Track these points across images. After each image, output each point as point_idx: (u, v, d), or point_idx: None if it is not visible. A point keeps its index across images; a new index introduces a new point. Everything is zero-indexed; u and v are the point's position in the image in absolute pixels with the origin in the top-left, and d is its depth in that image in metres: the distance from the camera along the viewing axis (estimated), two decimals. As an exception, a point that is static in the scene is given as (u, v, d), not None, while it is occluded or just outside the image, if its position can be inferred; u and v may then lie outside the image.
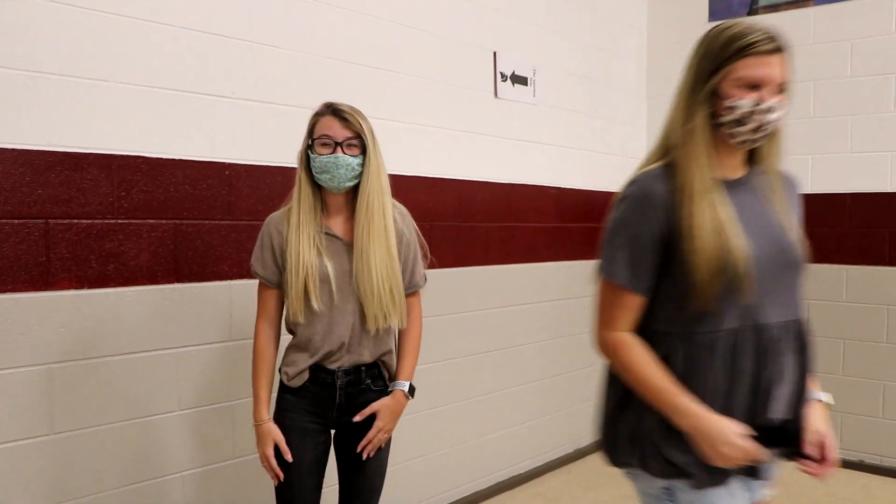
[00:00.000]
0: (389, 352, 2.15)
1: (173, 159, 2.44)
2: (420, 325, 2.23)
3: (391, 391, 2.15)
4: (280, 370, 2.14)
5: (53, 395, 2.20)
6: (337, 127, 2.02)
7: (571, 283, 4.26)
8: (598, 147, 4.45)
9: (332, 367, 2.07)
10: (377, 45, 3.09)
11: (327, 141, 2.01)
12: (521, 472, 3.98)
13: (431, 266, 3.29)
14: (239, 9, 2.60)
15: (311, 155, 2.03)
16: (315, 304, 2.02)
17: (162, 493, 2.46)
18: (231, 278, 2.59)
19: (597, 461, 4.32)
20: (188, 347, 2.51)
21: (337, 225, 2.08)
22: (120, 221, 2.32)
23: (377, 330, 2.07)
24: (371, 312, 2.04)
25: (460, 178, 3.52)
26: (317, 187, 2.08)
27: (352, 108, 2.07)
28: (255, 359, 2.12)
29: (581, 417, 4.42)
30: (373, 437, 2.09)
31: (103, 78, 2.26)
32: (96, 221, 2.26)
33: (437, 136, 3.39)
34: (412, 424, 3.30)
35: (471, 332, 3.61)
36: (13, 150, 2.09)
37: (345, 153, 2.00)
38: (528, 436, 4.01)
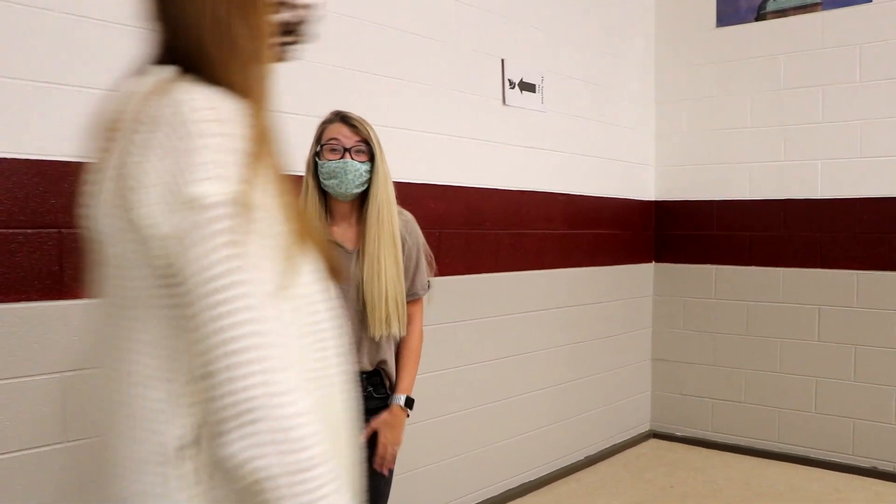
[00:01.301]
0: (388, 360, 2.15)
1: (184, 168, 2.45)
2: (420, 336, 2.24)
3: (389, 405, 2.16)
4: None
5: (67, 404, 2.21)
6: (346, 132, 2.04)
7: (581, 289, 4.26)
8: (607, 153, 4.45)
9: None
10: (385, 53, 3.11)
11: (336, 146, 2.03)
12: (531, 479, 3.97)
13: (440, 273, 3.29)
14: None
15: (319, 161, 2.05)
16: None
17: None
18: (242, 286, 2.61)
19: (606, 469, 4.31)
20: (199, 355, 2.52)
21: (340, 232, 2.10)
22: (132, 230, 2.33)
23: (379, 337, 2.08)
24: (376, 318, 2.04)
25: (469, 185, 3.52)
26: (322, 194, 2.09)
27: (360, 116, 2.09)
28: None
29: (591, 425, 4.41)
30: (383, 454, 2.13)
31: (115, 88, 2.28)
32: (109, 230, 2.28)
33: (446, 143, 3.40)
34: (421, 431, 3.30)
35: (480, 340, 3.61)
36: (27, 160, 2.11)
37: (353, 158, 2.02)
38: (537, 443, 4.00)
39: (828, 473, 4.19)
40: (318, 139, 2.08)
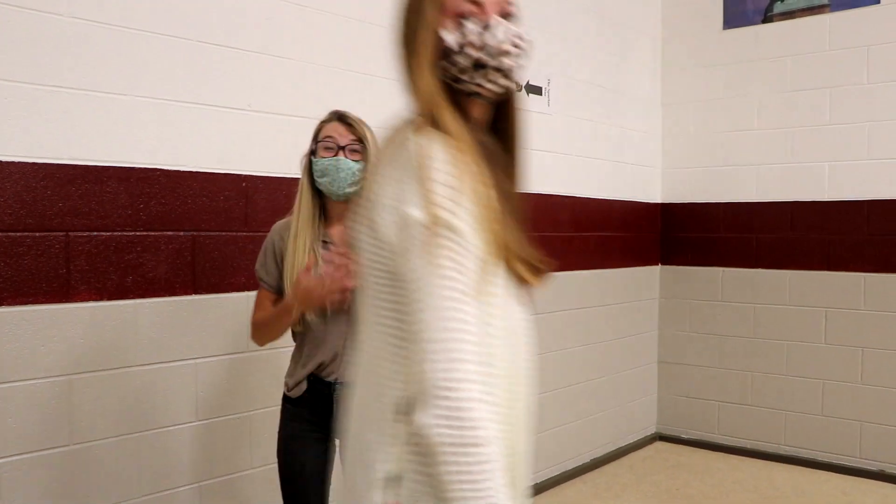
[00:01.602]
0: None
1: (191, 171, 2.46)
2: None
3: None
4: (284, 381, 2.15)
5: (73, 406, 2.22)
6: (341, 130, 2.04)
7: (587, 292, 4.25)
8: (613, 156, 4.45)
9: (329, 378, 2.06)
10: (391, 56, 3.11)
11: (330, 144, 2.03)
12: (538, 481, 3.96)
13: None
14: (254, 22, 2.63)
15: (314, 159, 2.05)
16: (310, 317, 2.01)
17: (179, 503, 2.47)
18: (248, 289, 2.61)
19: (612, 471, 4.30)
20: (205, 358, 2.53)
21: (337, 234, 2.08)
22: (138, 233, 2.34)
23: None
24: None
25: (475, 187, 3.52)
26: (318, 195, 2.08)
27: (358, 116, 2.09)
28: (261, 320, 2.10)
29: (597, 427, 4.41)
30: None
31: (122, 92, 2.29)
32: (115, 233, 2.29)
33: (452, 146, 3.39)
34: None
35: (486, 342, 3.61)
36: (34, 163, 2.12)
37: (347, 157, 2.02)
38: (543, 445, 4.00)
39: (835, 476, 4.17)
40: (315, 137, 2.08)
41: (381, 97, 3.07)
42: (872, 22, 4.09)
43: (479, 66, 1.18)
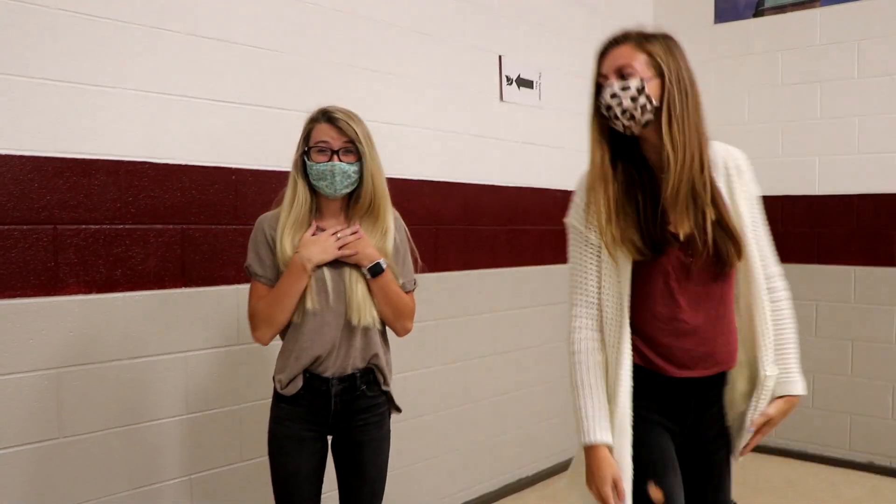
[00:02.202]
0: (380, 353, 2.10)
1: (180, 164, 2.46)
2: (410, 307, 2.17)
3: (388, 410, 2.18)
4: (273, 378, 2.11)
5: (62, 400, 2.21)
6: (333, 133, 2.01)
7: (578, 285, 4.25)
8: (605, 149, 4.44)
9: (326, 374, 2.04)
10: (382, 50, 3.10)
11: (324, 147, 2.01)
12: (529, 474, 3.98)
13: (436, 269, 3.29)
14: (244, 14, 2.62)
15: (308, 162, 2.03)
16: (310, 304, 2.00)
17: (170, 496, 2.47)
18: (238, 282, 2.61)
19: (604, 464, 4.30)
20: (195, 351, 2.52)
21: (331, 228, 2.07)
22: (127, 226, 2.34)
23: (355, 323, 2.04)
24: (353, 304, 2.02)
25: (467, 181, 3.52)
26: (311, 191, 2.07)
27: (346, 112, 2.06)
28: (267, 301, 2.04)
29: (588, 420, 4.41)
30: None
31: (110, 84, 2.28)
32: (104, 227, 2.28)
33: (443, 139, 3.40)
34: (419, 427, 3.31)
35: (478, 335, 3.61)
36: (22, 156, 2.11)
37: (341, 160, 2.00)
38: (535, 438, 4.01)
39: (825, 468, 4.20)
40: (306, 139, 2.06)
41: (370, 91, 3.07)
42: (862, 16, 4.10)
43: (604, 115, 1.73)
